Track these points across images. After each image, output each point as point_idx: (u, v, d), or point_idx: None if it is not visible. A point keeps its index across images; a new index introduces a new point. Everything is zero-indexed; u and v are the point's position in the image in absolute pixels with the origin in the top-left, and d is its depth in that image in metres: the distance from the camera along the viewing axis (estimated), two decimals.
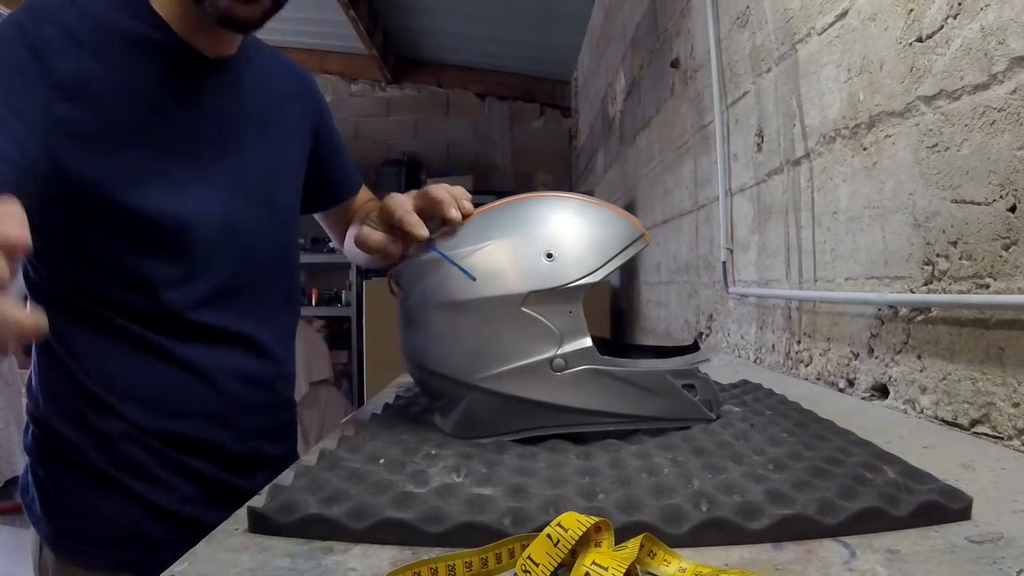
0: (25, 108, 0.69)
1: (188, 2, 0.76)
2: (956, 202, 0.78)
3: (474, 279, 0.65)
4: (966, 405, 0.77)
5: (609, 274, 0.66)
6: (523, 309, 0.64)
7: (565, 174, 5.13)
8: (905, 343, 0.89)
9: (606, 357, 0.65)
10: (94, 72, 0.73)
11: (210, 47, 0.81)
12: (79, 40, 0.73)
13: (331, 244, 5.57)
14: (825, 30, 1.07)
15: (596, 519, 0.40)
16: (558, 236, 0.66)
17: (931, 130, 0.81)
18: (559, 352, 0.64)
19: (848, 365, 1.04)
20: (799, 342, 1.23)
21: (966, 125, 0.75)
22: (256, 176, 0.87)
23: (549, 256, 0.65)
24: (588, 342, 0.65)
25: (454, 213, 0.67)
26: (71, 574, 0.80)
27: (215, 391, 0.84)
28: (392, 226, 0.70)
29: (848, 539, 0.44)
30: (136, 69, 0.76)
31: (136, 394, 0.80)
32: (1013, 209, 0.69)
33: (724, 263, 1.55)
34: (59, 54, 0.71)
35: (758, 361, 1.43)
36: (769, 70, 1.30)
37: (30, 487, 0.82)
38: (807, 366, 1.19)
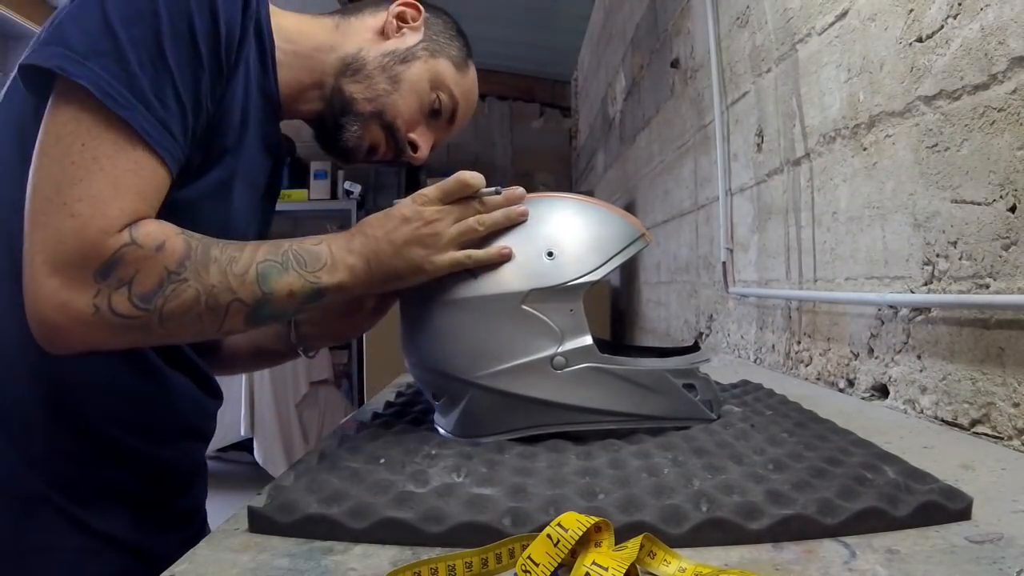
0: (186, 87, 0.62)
1: (311, 116, 0.80)
2: (956, 202, 0.78)
3: (475, 276, 0.65)
4: (966, 405, 0.77)
5: (609, 273, 0.66)
6: (523, 307, 0.64)
7: (565, 174, 5.13)
8: (905, 343, 0.89)
9: (606, 355, 0.65)
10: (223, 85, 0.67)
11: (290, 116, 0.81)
12: (219, 41, 0.65)
13: None
14: (825, 30, 1.07)
15: (596, 519, 0.40)
16: (559, 235, 0.66)
17: (931, 130, 0.81)
18: (559, 350, 0.64)
19: (848, 365, 1.04)
20: (799, 342, 1.23)
21: (966, 125, 0.75)
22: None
23: (550, 254, 0.65)
24: (588, 340, 0.65)
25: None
26: None
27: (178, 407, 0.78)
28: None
29: (848, 539, 0.44)
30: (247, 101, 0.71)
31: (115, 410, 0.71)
32: (1013, 209, 0.69)
33: (724, 263, 1.55)
34: (210, 50, 0.64)
35: (758, 361, 1.43)
36: (769, 70, 1.30)
37: None
38: (807, 366, 1.19)
